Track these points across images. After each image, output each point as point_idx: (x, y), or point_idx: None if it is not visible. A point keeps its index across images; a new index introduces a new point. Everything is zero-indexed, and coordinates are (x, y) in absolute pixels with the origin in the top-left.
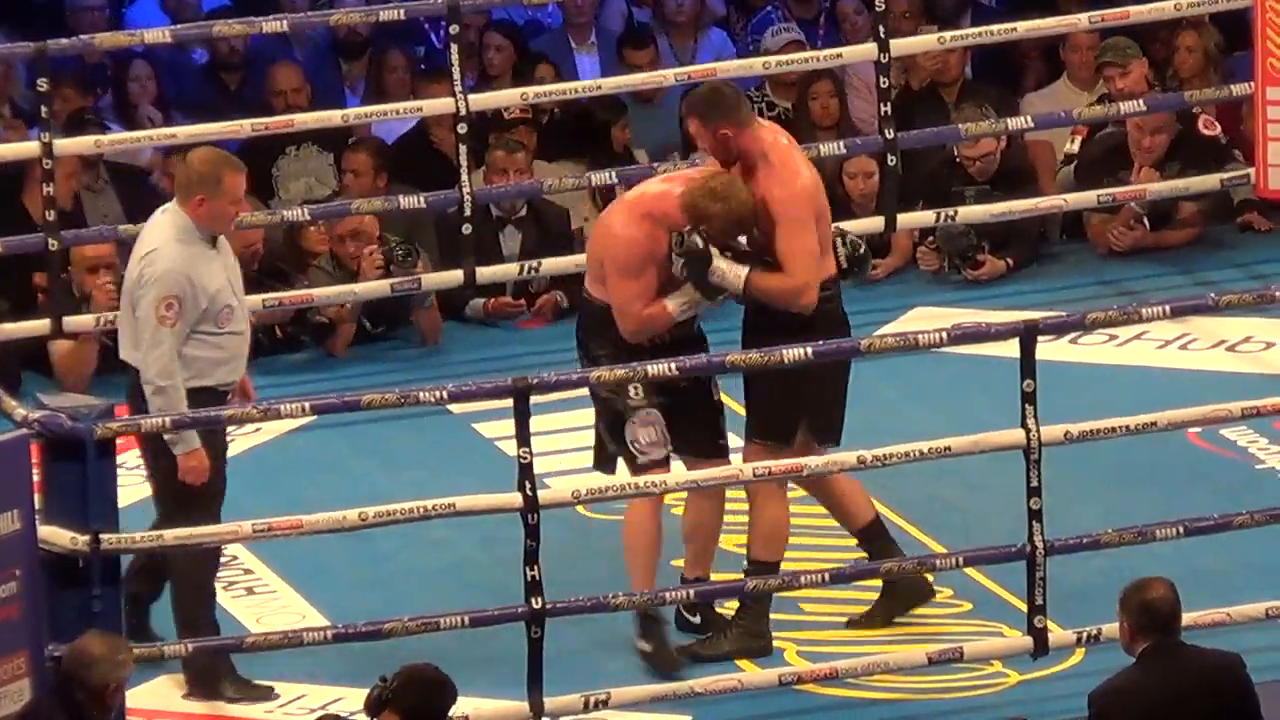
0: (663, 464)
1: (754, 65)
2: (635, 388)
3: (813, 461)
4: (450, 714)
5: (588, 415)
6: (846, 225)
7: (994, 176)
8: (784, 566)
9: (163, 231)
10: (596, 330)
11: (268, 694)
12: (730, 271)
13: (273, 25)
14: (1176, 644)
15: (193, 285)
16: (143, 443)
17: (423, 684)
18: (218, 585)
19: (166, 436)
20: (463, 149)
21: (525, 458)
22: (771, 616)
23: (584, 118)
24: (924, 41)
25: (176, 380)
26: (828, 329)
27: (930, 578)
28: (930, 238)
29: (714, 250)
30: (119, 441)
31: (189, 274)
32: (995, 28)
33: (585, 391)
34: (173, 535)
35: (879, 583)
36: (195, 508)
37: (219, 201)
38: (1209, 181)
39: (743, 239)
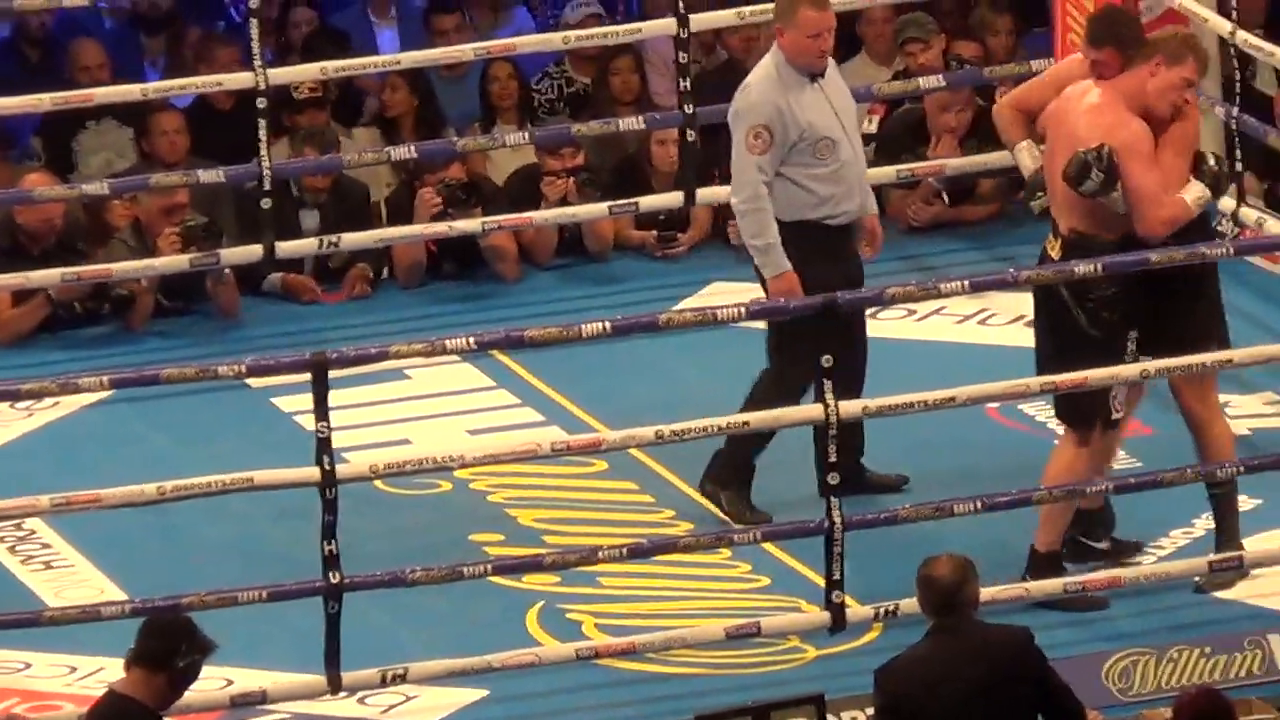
0: (1116, 426)
1: (553, 40)
2: (1133, 341)
3: (611, 436)
4: (199, 649)
5: (386, 390)
6: (647, 199)
7: None
8: (582, 541)
9: (760, 69)
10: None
11: (765, 519)
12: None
13: None
14: (962, 620)
15: (783, 116)
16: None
17: (150, 629)
18: (15, 559)
19: (756, 259)
20: (262, 124)
21: (323, 432)
22: (569, 590)
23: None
24: (723, 16)
25: (762, 204)
26: None
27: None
28: None
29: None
30: None
31: (779, 105)
32: None
33: (384, 365)
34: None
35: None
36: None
37: (795, 33)
38: (1008, 157)
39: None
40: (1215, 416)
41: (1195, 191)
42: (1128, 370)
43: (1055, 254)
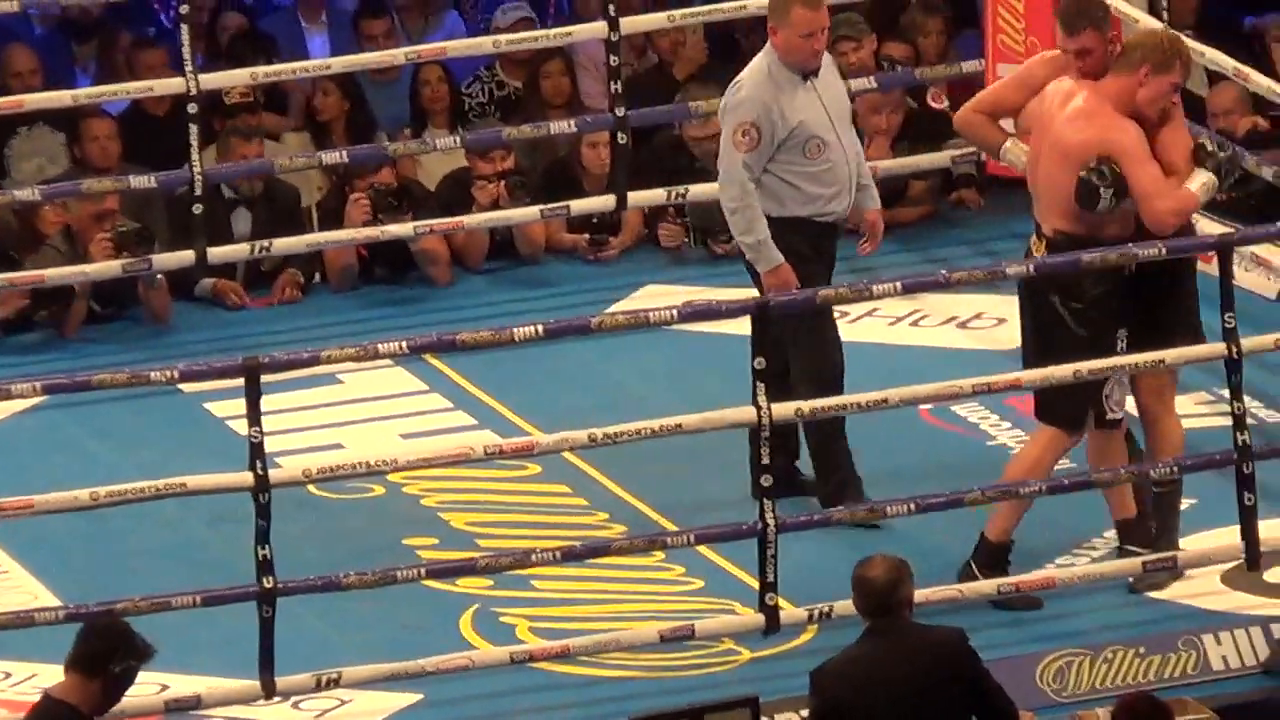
0: (1117, 425)
1: (484, 44)
2: (1123, 339)
3: (544, 439)
4: (136, 654)
5: (319, 394)
6: (578, 203)
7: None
8: (516, 545)
9: (753, 66)
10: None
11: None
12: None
13: (3, 5)
14: (896, 621)
15: (771, 115)
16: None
17: (86, 634)
18: None
19: (748, 255)
20: (193, 129)
21: (256, 437)
22: (503, 594)
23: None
24: (654, 19)
25: (750, 200)
26: None
27: None
28: (670, 211)
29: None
30: None
31: (769, 104)
32: (724, 5)
33: (316, 370)
34: None
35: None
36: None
37: (788, 32)
38: (940, 158)
39: None
40: (1168, 413)
41: (1200, 179)
42: (1060, 371)
43: (1040, 255)
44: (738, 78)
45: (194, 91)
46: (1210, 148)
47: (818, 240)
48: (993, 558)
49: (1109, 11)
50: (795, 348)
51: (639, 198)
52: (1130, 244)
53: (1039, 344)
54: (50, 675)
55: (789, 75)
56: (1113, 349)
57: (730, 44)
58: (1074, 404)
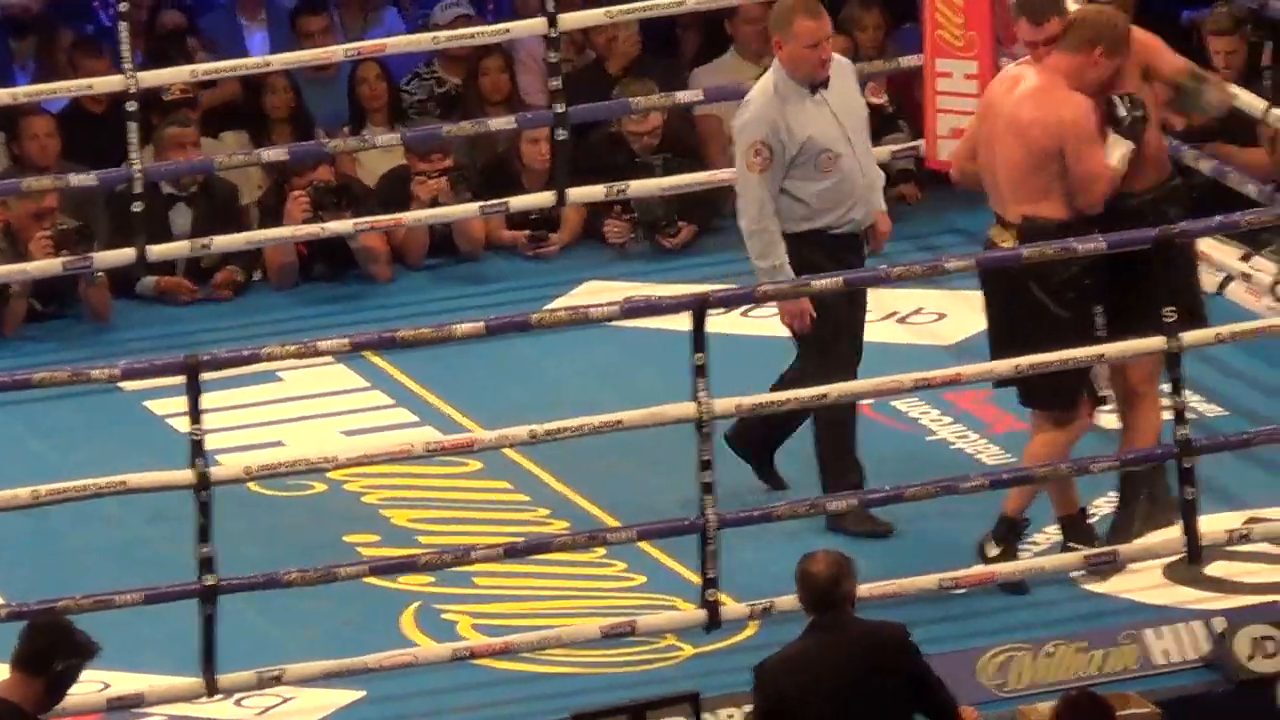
0: (1101, 402)
1: (423, 40)
2: (1100, 318)
3: (484, 435)
4: (79, 653)
5: (259, 392)
6: (517, 199)
7: (660, 150)
8: (457, 542)
9: (759, 84)
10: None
11: (886, 530)
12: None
13: None
14: (839, 616)
15: (779, 133)
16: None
17: (28, 633)
18: None
19: (762, 279)
20: (132, 126)
21: (197, 434)
22: (445, 591)
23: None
24: (592, 15)
25: (767, 223)
26: None
27: None
28: (617, 207)
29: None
30: None
31: (776, 122)
32: (663, 0)
33: (256, 367)
34: None
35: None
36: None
37: (793, 45)
38: (879, 153)
39: None
40: (1155, 398)
41: (1120, 151)
42: (1001, 366)
43: (1009, 244)
44: (746, 96)
45: (133, 89)
46: (1121, 110)
47: (837, 252)
48: (1006, 531)
49: None
50: (804, 343)
51: (578, 194)
52: (1072, 238)
53: (1019, 333)
54: None
55: (795, 89)
56: (1092, 326)
57: (667, 37)
58: (1065, 384)
